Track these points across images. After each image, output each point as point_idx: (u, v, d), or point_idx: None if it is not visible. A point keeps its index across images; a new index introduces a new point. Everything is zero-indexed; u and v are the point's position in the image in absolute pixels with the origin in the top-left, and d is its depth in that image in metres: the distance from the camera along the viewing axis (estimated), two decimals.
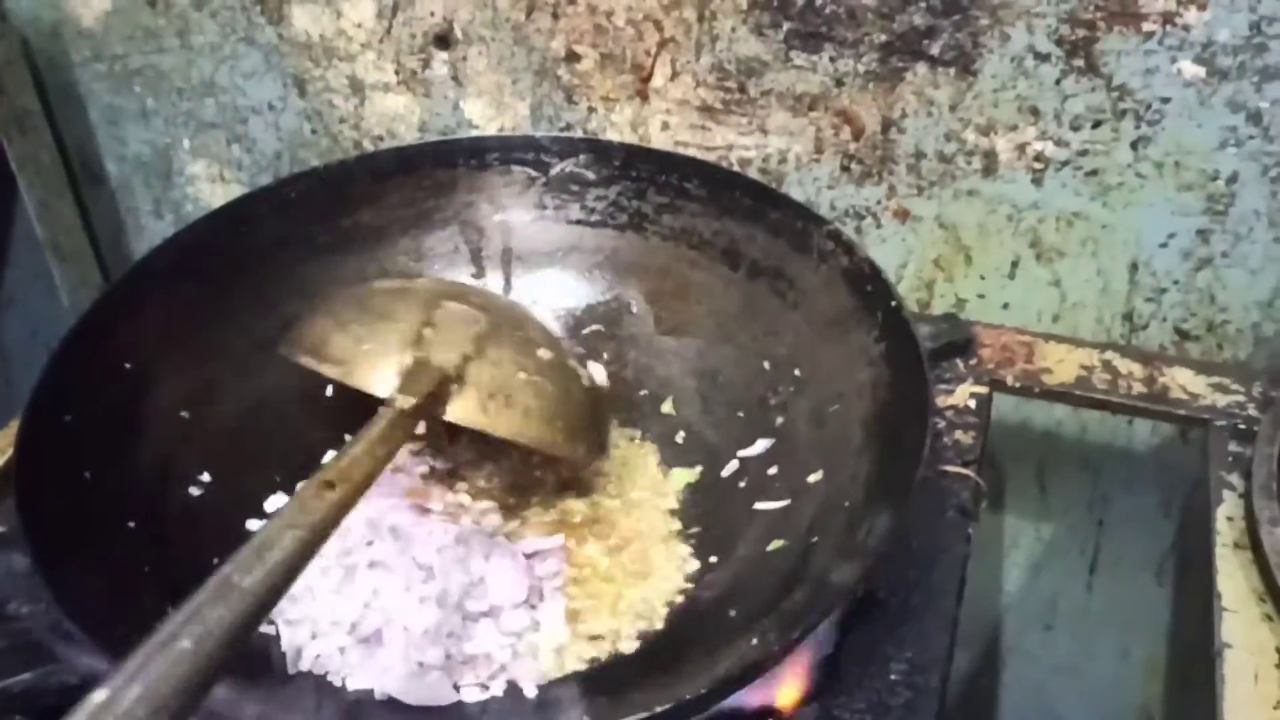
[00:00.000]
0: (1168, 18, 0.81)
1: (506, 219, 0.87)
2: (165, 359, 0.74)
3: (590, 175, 0.86)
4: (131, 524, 0.66)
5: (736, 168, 0.98)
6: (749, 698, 0.62)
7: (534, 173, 0.86)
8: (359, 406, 0.65)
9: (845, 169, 0.96)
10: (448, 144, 0.88)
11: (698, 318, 0.83)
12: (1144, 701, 1.12)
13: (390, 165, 0.86)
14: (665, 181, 0.84)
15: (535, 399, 0.69)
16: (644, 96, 0.98)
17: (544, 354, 0.73)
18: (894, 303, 0.73)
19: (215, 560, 0.48)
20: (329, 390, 0.79)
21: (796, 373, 0.78)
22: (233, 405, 0.76)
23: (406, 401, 0.64)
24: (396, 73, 1.05)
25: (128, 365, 0.71)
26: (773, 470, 0.76)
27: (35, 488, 0.61)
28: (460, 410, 0.67)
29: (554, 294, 0.86)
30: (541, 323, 0.79)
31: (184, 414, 0.73)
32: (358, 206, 0.85)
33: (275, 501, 0.74)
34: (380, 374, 0.66)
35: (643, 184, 0.85)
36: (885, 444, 0.70)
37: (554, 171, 0.86)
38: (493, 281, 0.87)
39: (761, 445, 0.77)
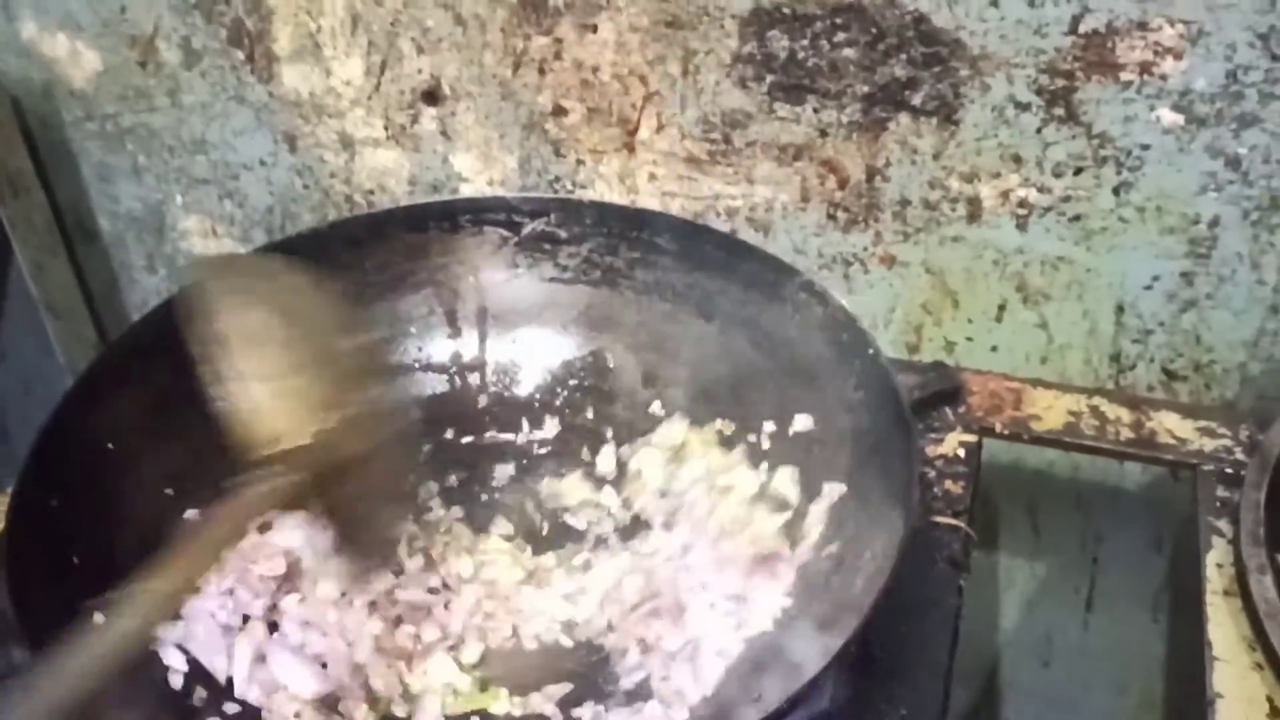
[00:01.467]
0: (1145, 67, 0.82)
1: (480, 279, 0.87)
2: (145, 438, 0.73)
3: (562, 233, 0.87)
4: None
5: (724, 217, 0.99)
6: None
7: (506, 233, 0.87)
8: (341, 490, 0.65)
9: (831, 217, 0.97)
10: (419, 208, 0.89)
11: (675, 370, 0.84)
12: None
13: (362, 231, 0.87)
14: (636, 237, 0.85)
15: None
16: (631, 149, 0.99)
17: None
18: (871, 350, 0.74)
19: None
20: None
21: (775, 423, 0.78)
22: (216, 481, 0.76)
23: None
24: (386, 128, 1.06)
25: (110, 446, 0.71)
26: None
27: (27, 576, 0.61)
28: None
29: (532, 351, 0.87)
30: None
31: (168, 491, 0.73)
32: (332, 274, 0.84)
33: None
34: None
35: (614, 240, 0.86)
36: (870, 497, 0.70)
37: (526, 231, 0.87)
38: (469, 341, 0.88)
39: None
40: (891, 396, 0.71)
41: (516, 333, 0.87)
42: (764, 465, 0.78)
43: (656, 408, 0.83)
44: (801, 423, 0.77)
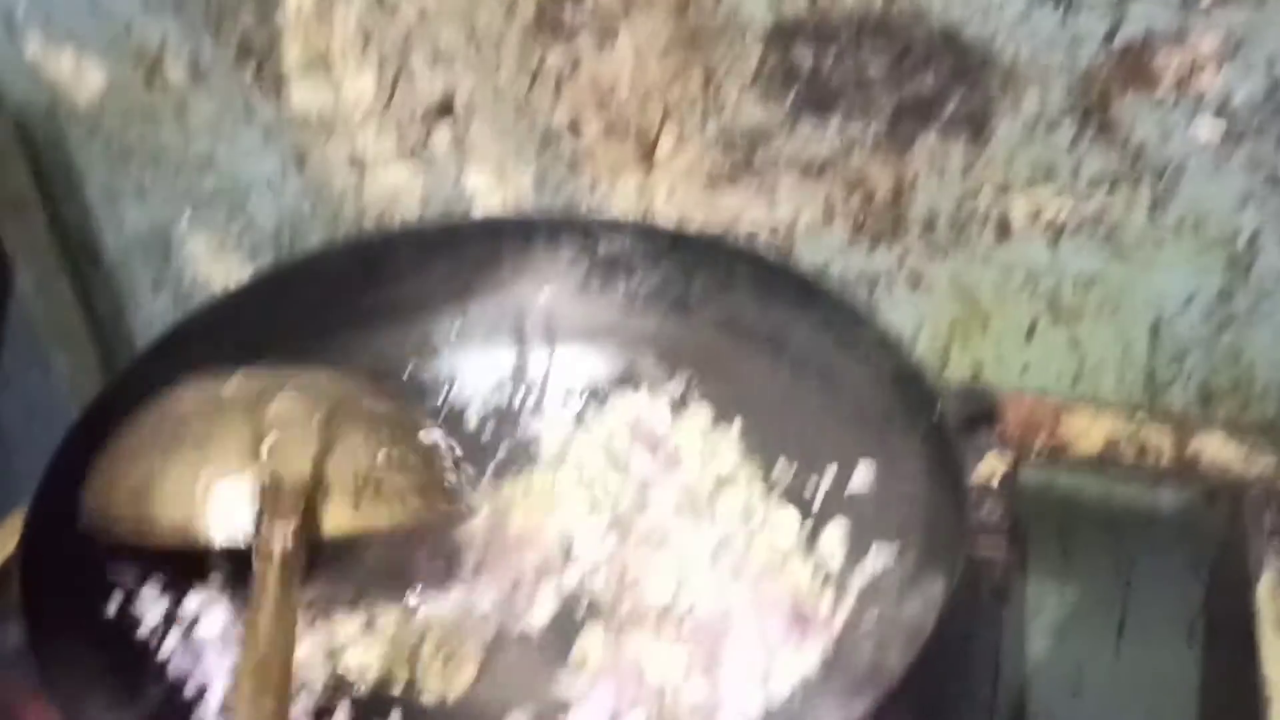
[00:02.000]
0: (1183, 80, 0.80)
1: (550, 296, 0.86)
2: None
3: (638, 257, 0.85)
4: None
5: (745, 236, 0.97)
6: None
7: (580, 251, 0.86)
8: None
9: (857, 234, 0.94)
10: (495, 220, 0.89)
11: (741, 405, 0.82)
12: None
13: (435, 238, 0.86)
14: (713, 267, 0.83)
15: (403, 474, 0.62)
16: (649, 166, 0.97)
17: (388, 415, 0.67)
18: (936, 416, 0.70)
19: None
20: None
21: (835, 474, 0.76)
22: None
23: (283, 536, 0.54)
24: (397, 146, 1.04)
25: None
26: None
27: (40, 590, 0.59)
28: (337, 520, 0.58)
29: (596, 373, 0.85)
30: (364, 377, 0.72)
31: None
32: (400, 277, 0.84)
33: None
34: (230, 515, 0.56)
35: (690, 268, 0.84)
36: (915, 568, 0.68)
37: (601, 252, 0.85)
38: (536, 358, 0.86)
39: None
40: (953, 468, 0.68)
41: (583, 352, 0.85)
42: (810, 518, 0.75)
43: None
44: (861, 478, 0.74)
